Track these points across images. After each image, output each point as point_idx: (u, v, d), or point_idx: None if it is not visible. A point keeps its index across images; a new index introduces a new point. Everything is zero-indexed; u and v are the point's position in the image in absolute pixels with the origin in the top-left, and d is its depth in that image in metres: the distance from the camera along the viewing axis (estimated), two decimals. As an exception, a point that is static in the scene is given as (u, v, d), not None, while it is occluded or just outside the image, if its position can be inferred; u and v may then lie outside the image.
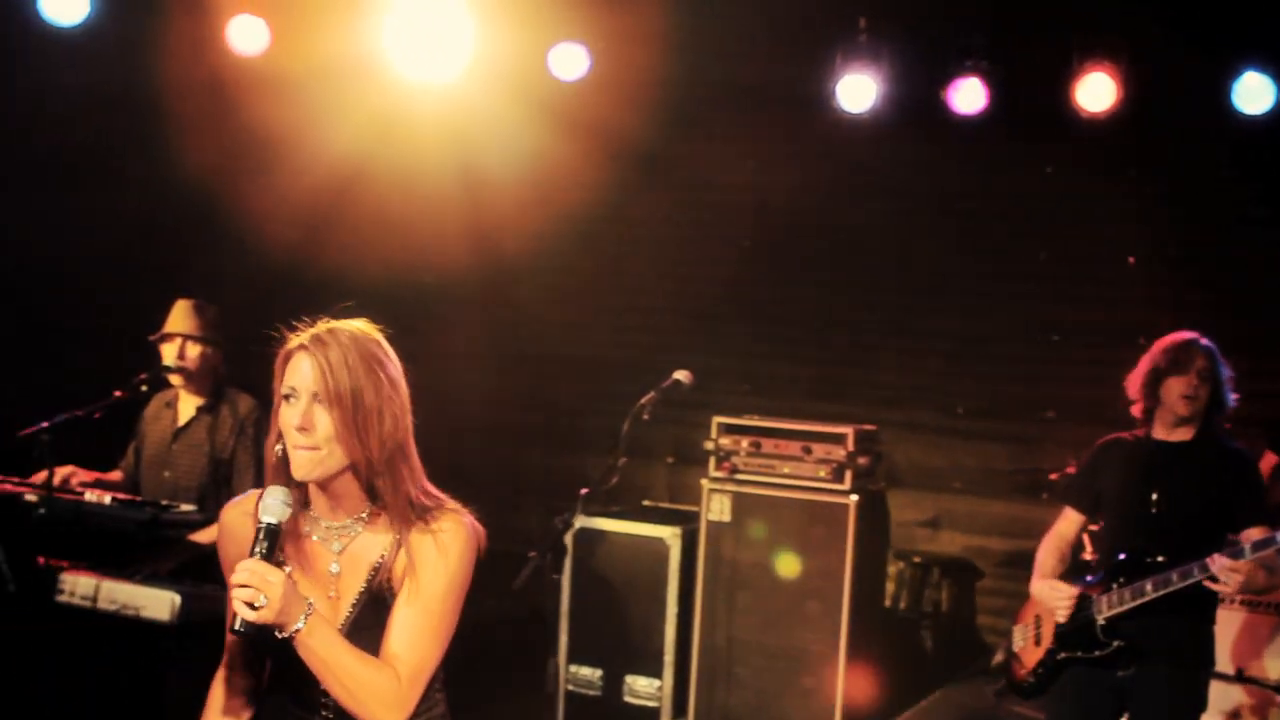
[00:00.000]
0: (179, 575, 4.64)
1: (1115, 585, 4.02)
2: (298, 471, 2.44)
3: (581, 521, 5.53)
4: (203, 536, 4.86)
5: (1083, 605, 4.09)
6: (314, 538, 2.54)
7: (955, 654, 6.71)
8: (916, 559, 6.84)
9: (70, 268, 6.16)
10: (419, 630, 2.47)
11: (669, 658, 5.75)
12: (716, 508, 5.69)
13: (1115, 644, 3.99)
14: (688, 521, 5.85)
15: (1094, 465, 4.29)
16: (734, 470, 5.66)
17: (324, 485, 2.50)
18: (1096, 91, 5.84)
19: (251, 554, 2.33)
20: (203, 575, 4.59)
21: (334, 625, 2.48)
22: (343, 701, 2.42)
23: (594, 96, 6.37)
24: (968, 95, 6.08)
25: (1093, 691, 4.12)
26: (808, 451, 5.56)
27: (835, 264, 7.09)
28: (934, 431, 6.87)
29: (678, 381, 4.20)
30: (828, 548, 5.52)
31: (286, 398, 2.46)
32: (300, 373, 2.45)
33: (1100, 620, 4.02)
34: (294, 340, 2.50)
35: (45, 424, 4.43)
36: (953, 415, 6.91)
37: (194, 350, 4.94)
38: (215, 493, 4.91)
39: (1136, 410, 4.18)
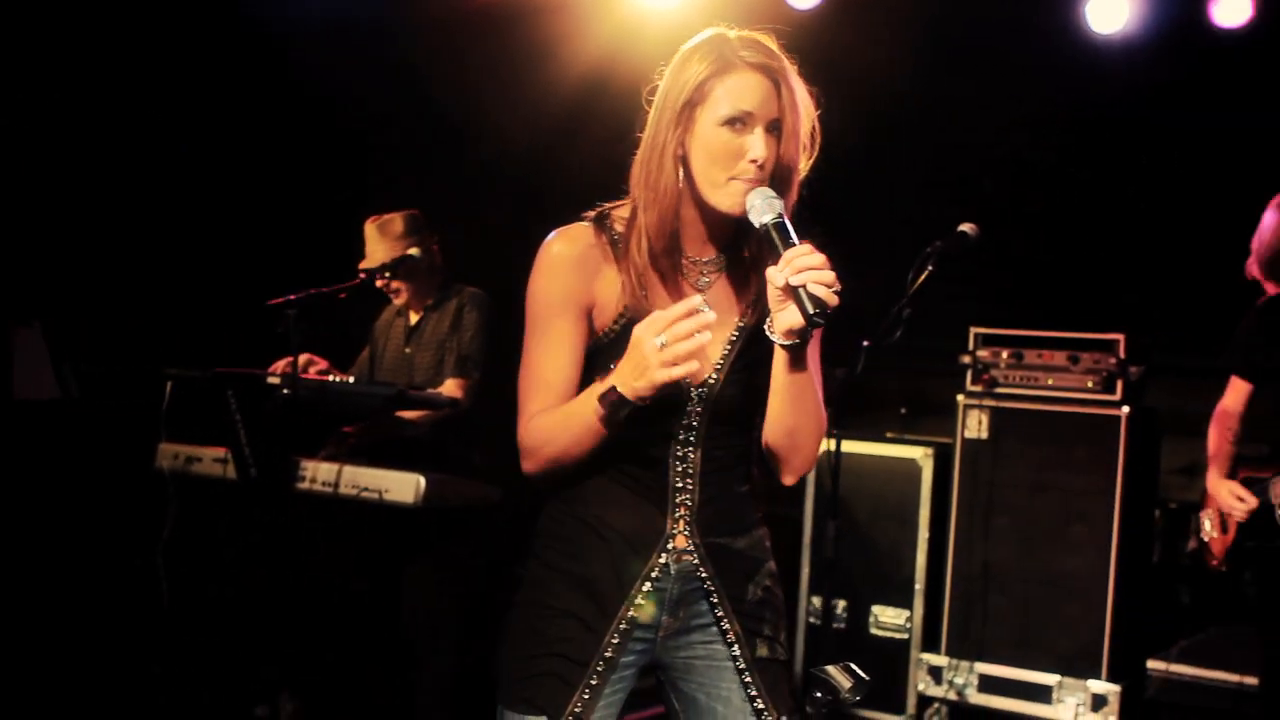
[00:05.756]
0: (379, 450, 4.54)
1: None
2: (734, 206, 2.19)
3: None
4: (410, 414, 4.70)
5: (1257, 492, 3.96)
6: (679, 275, 2.29)
7: (1214, 608, 6.21)
8: (1172, 505, 6.39)
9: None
10: (816, 367, 2.27)
11: (919, 586, 5.44)
12: (973, 424, 5.36)
13: None
14: (939, 442, 5.54)
15: (1264, 328, 4.04)
16: (992, 384, 5.33)
17: (713, 215, 2.24)
18: None
19: (787, 246, 2.08)
20: (404, 456, 4.47)
21: (711, 362, 2.27)
22: (800, 436, 2.23)
23: (831, 28, 6.04)
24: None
25: None
26: (1074, 361, 5.20)
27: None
28: (1191, 373, 6.40)
29: (963, 233, 3.92)
30: (1095, 465, 5.16)
31: (732, 122, 2.17)
32: (758, 96, 2.17)
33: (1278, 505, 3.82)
34: (741, 53, 2.18)
35: (291, 297, 4.33)
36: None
37: (397, 283, 4.80)
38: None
39: None
